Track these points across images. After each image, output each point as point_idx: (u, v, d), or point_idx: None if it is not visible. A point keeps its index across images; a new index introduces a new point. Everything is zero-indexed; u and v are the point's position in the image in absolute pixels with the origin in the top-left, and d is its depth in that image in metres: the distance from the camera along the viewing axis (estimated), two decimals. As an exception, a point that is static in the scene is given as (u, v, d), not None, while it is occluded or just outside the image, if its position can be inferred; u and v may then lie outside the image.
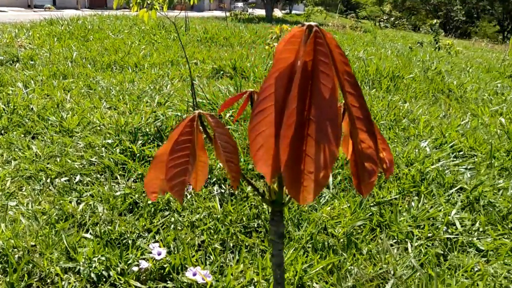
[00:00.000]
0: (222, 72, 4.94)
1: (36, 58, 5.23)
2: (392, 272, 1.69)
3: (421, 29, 21.99)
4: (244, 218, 1.98)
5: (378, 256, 1.79)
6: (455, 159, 2.84)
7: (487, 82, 5.48)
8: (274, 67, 0.39)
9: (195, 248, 1.78)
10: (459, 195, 2.33)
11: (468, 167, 2.73)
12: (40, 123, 3.08)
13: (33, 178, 2.35)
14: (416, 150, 2.78)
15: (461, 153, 2.98)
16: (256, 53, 6.21)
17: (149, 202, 2.05)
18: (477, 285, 1.70)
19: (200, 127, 0.51)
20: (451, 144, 2.97)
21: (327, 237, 1.91)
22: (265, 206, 2.09)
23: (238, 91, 3.62)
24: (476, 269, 1.82)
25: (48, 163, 2.51)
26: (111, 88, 4.11)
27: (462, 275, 1.76)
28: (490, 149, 2.91)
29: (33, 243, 1.76)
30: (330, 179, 2.34)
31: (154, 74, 4.83)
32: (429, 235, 1.98)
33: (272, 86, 0.39)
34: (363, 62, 5.16)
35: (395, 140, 3.03)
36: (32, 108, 3.36)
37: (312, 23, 0.38)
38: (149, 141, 2.74)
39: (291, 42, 0.38)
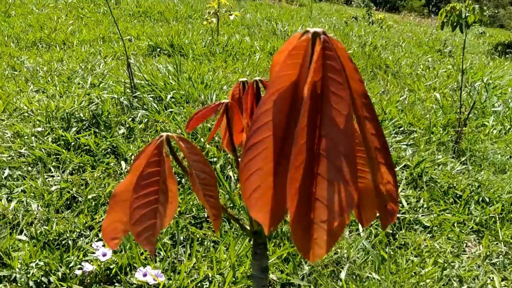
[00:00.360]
0: (159, 49, 4.71)
1: None
2: (346, 256, 1.69)
3: (353, 2, 22.40)
4: (193, 209, 1.90)
5: (331, 240, 1.78)
6: (396, 135, 2.91)
7: (419, 56, 5.67)
8: (271, 87, 0.31)
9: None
10: (403, 172, 2.39)
11: (409, 143, 2.80)
12: (-43, 110, 2.77)
13: (-48, 175, 2.11)
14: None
15: (401, 129, 3.05)
16: (193, 28, 5.98)
17: (90, 196, 1.90)
18: (426, 262, 1.74)
19: (169, 155, 0.41)
20: (392, 121, 3.03)
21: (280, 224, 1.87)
22: (214, 194, 2.02)
23: (178, 70, 3.46)
24: (423, 246, 1.87)
25: (-31, 157, 2.26)
26: (37, 68, 3.78)
27: (411, 253, 1.80)
28: (428, 125, 3.00)
29: (-42, 252, 1.57)
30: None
31: (84, 52, 4.51)
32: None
33: (270, 112, 0.30)
34: None
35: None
36: None
37: (318, 30, 0.30)
38: (85, 127, 2.55)
39: (293, 55, 0.30)
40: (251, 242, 0.54)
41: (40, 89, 3.36)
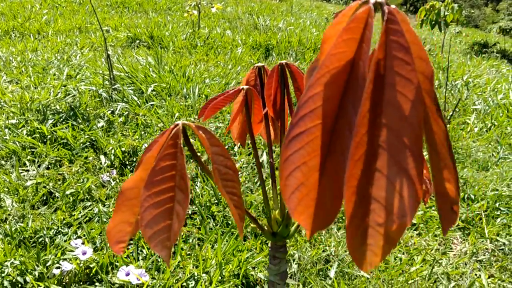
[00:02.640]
0: (138, 41, 4.59)
1: None
2: (334, 254, 1.66)
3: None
4: (177, 205, 1.84)
5: (319, 238, 1.76)
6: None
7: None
8: (322, 67, 0.26)
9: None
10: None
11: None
12: None
13: None
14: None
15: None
16: (173, 21, 5.87)
17: (67, 191, 1.82)
18: (414, 259, 1.73)
19: (184, 145, 0.36)
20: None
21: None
22: (198, 190, 1.96)
23: (159, 63, 3.37)
24: (410, 243, 1.86)
25: None
26: (11, 58, 3.63)
27: (399, 250, 1.79)
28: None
29: None
30: (264, 158, 2.26)
31: (60, 42, 4.36)
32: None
33: (319, 97, 0.26)
34: (285, 33, 5.08)
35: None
36: None
37: None
38: (61, 120, 2.45)
39: (349, 29, 0.25)
40: (269, 245, 0.49)
41: (14, 79, 3.22)
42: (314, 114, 0.27)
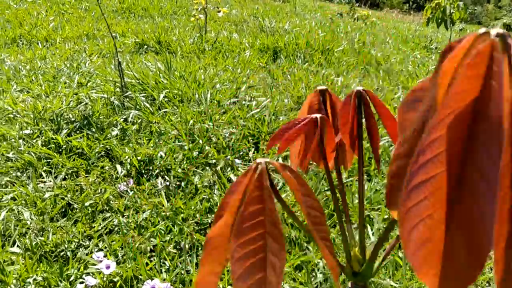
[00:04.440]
0: (146, 46, 4.58)
1: None
2: (359, 262, 1.63)
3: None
4: (197, 215, 1.81)
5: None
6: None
7: (408, 53, 5.67)
8: (444, 107, 0.23)
9: (148, 255, 1.58)
10: (406, 172, 2.34)
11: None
12: None
13: None
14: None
15: (398, 127, 3.01)
16: (179, 25, 5.85)
17: (86, 203, 1.80)
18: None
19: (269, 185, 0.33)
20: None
21: (287, 227, 1.80)
22: (216, 198, 1.93)
23: (169, 69, 3.35)
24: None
25: (-47, 162, 2.12)
26: (20, 67, 3.62)
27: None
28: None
29: None
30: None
31: (68, 49, 4.35)
32: (385, 217, 1.95)
33: (443, 140, 0.23)
34: (292, 35, 5.05)
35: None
36: None
37: (501, 31, 0.23)
38: (76, 129, 2.43)
39: (472, 65, 0.23)
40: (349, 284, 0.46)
41: (24, 88, 3.21)
42: (438, 160, 0.24)
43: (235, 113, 2.67)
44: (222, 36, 5.09)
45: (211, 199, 1.92)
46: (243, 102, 2.97)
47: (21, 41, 4.57)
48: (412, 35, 8.71)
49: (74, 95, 3.09)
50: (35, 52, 4.10)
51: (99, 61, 4.07)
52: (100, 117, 2.64)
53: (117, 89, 3.05)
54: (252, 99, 3.04)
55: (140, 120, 2.60)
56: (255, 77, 3.75)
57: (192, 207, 1.85)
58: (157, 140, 2.39)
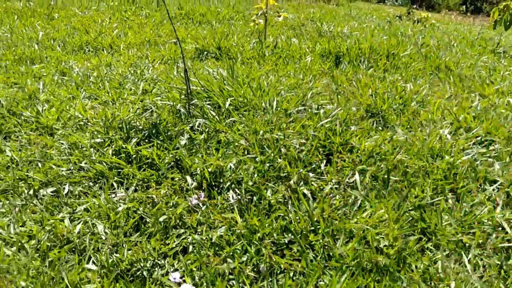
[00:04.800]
0: (206, 52, 4.54)
1: (-3, 40, 4.66)
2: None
3: (386, 1, 21.89)
4: (273, 233, 1.69)
5: (436, 274, 1.55)
6: (474, 146, 2.63)
7: (476, 57, 5.32)
8: None
9: (226, 278, 1.48)
10: (497, 191, 2.12)
11: (492, 155, 2.52)
12: (11, 119, 2.65)
13: (11, 191, 1.97)
14: (438, 139, 2.54)
15: (478, 138, 2.76)
16: (237, 30, 5.80)
17: (160, 218, 1.72)
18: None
19: None
20: (469, 130, 2.75)
21: (372, 252, 1.64)
22: (291, 216, 1.81)
23: (232, 75, 3.26)
24: (539, 281, 1.60)
25: (28, 171, 2.12)
26: (87, 73, 3.66)
27: (530, 291, 1.55)
28: (509, 134, 2.71)
29: (24, 284, 1.41)
30: (357, 177, 2.07)
31: (132, 56, 4.39)
32: (480, 241, 1.75)
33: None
34: (355, 38, 4.85)
35: (411, 128, 2.78)
36: None
37: None
38: (144, 138, 2.38)
39: None
40: None
41: (92, 95, 3.23)
42: None
43: (304, 122, 2.53)
44: (281, 41, 4.98)
45: (286, 217, 1.80)
46: (310, 110, 2.83)
47: (87, 48, 4.66)
48: (475, 38, 8.23)
49: (140, 102, 3.07)
50: (101, 59, 4.15)
51: (161, 67, 4.07)
52: (167, 125, 2.58)
53: (182, 96, 3.00)
54: (320, 107, 2.90)
55: (207, 129, 2.53)
56: (319, 83, 3.60)
57: (268, 225, 1.73)
58: (225, 150, 2.30)
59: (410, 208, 1.89)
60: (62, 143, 2.38)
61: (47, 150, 2.31)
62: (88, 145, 2.28)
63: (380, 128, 2.81)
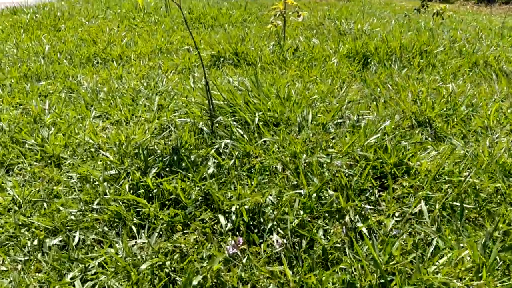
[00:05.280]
0: (222, 58, 4.18)
1: (1, 56, 4.36)
2: None
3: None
4: (337, 295, 1.33)
5: None
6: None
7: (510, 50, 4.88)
8: None
9: None
10: None
11: None
12: (14, 148, 2.32)
13: (13, 243, 1.63)
14: (506, 151, 2.15)
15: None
16: (252, 33, 5.44)
17: (194, 281, 1.37)
18: None
19: None
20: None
21: None
22: (355, 266, 1.44)
23: (256, 85, 2.90)
24: None
25: (32, 214, 1.79)
26: (97, 89, 3.33)
27: None
28: None
29: None
30: (423, 207, 1.70)
31: (143, 66, 4.05)
32: None
33: None
34: (383, 36, 4.43)
35: (465, 137, 2.39)
36: (1, 127, 2.59)
37: None
38: (165, 167, 2.03)
39: None
40: None
41: (103, 114, 2.90)
42: None
43: (348, 139, 2.16)
44: (301, 42, 4.60)
45: (348, 270, 1.43)
46: (349, 122, 2.46)
47: (95, 59, 4.33)
48: (499, 28, 7.76)
49: (156, 120, 2.73)
50: (111, 72, 3.82)
51: (176, 77, 3.73)
52: (190, 148, 2.23)
53: (203, 112, 2.65)
54: (359, 117, 2.53)
55: (235, 151, 2.17)
56: (352, 89, 3.22)
57: (326, 280, 1.37)
58: (260, 178, 1.94)
59: (499, 249, 1.51)
60: (71, 176, 2.04)
61: (54, 186, 1.97)
62: (101, 179, 1.94)
63: (431, 139, 2.43)
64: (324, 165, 1.94)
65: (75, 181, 1.99)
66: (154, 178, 1.92)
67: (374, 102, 2.83)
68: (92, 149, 2.30)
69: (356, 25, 5.78)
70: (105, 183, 1.92)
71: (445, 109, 2.73)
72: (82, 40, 5.03)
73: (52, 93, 3.31)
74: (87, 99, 3.11)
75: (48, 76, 3.77)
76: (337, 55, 4.11)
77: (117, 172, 1.99)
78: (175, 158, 2.07)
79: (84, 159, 2.22)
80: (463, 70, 3.73)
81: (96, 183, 1.94)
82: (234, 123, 2.45)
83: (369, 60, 3.97)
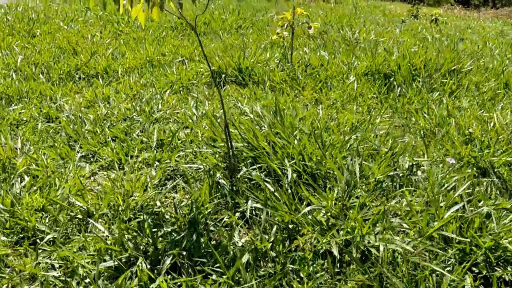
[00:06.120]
0: (223, 75, 3.62)
1: (-35, 69, 3.68)
2: None
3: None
4: None
5: None
6: None
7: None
8: None
9: None
10: None
11: None
12: (-26, 214, 1.72)
13: None
14: None
15: None
16: (250, 41, 4.87)
17: None
18: None
19: None
20: None
21: None
22: None
23: (278, 117, 2.36)
24: None
25: None
26: (81, 117, 2.73)
27: None
28: None
29: None
30: None
31: (134, 84, 3.45)
32: None
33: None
34: (405, 52, 3.91)
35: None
36: (-42, 179, 1.97)
37: None
38: (181, 252, 1.47)
39: None
40: None
41: (90, 154, 2.31)
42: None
43: (419, 216, 1.65)
44: (307, 55, 4.07)
45: None
46: (405, 176, 1.95)
47: (77, 74, 3.70)
48: (498, 35, 7.41)
49: (157, 163, 2.16)
50: (96, 91, 3.20)
51: (173, 98, 3.15)
52: (210, 216, 1.68)
53: (221, 158, 2.09)
54: (415, 167, 2.02)
55: (269, 220, 1.63)
56: (383, 120, 2.71)
57: None
58: (312, 269, 1.40)
59: None
60: (52, 266, 1.46)
61: (27, 285, 1.39)
62: (95, 276, 1.36)
63: (499, 192, 1.95)
64: (398, 255, 1.42)
65: (56, 276, 1.41)
66: (169, 277, 1.36)
67: (424, 142, 2.33)
68: (80, 216, 1.72)
69: (361, 34, 5.28)
70: (100, 281, 1.35)
71: (501, 150, 2.24)
72: (61, 49, 4.37)
73: (26, 122, 2.69)
74: (70, 132, 2.50)
75: (21, 96, 3.13)
76: (353, 72, 3.60)
77: (116, 264, 1.42)
78: (194, 237, 1.52)
79: (69, 232, 1.64)
80: (494, 91, 3.27)
81: (87, 280, 1.37)
82: (262, 174, 1.90)
83: (390, 79, 3.48)
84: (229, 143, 1.94)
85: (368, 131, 2.49)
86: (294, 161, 1.98)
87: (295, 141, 2.10)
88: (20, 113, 2.83)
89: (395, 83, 3.40)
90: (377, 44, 4.87)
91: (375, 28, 5.96)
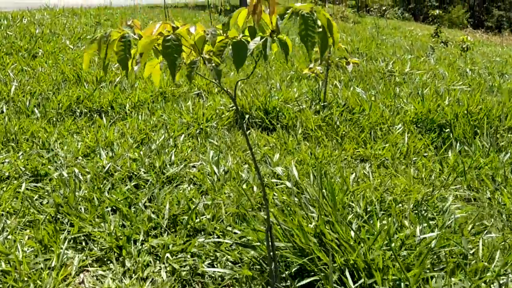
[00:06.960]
0: (247, 115, 3.07)
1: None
2: None
3: (387, 15, 20.47)
4: None
5: None
6: None
7: None
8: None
9: None
10: None
11: None
12: None
13: None
14: None
15: None
16: (272, 70, 4.33)
17: None
18: None
19: None
20: None
21: None
22: None
23: (326, 187, 1.80)
24: None
25: None
26: (76, 173, 2.17)
27: None
28: None
29: None
30: None
31: (143, 124, 2.90)
32: None
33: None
34: (461, 97, 3.30)
35: None
36: None
37: None
38: None
39: None
40: None
41: (82, 236, 1.75)
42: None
43: None
44: (342, 93, 3.52)
45: None
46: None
47: (78, 108, 3.16)
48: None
49: (167, 254, 1.60)
50: (98, 136, 2.65)
51: (189, 145, 2.61)
52: None
53: (256, 254, 1.53)
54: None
55: None
56: (450, 190, 2.14)
57: None
58: None
59: None
60: None
61: None
62: None
63: None
64: None
65: None
66: None
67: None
68: None
69: (395, 66, 4.73)
70: None
71: None
72: (63, 75, 3.83)
73: (7, 180, 2.14)
74: (59, 201, 1.94)
75: (8, 139, 2.59)
76: (397, 118, 3.04)
77: None
78: None
79: None
80: None
81: None
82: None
83: (445, 130, 2.90)
84: (271, 247, 1.37)
85: (437, 211, 1.92)
86: (354, 265, 1.41)
87: (358, 243, 1.53)
88: (2, 163, 2.29)
89: (451, 135, 2.83)
90: (414, 78, 4.31)
91: (404, 55, 5.40)
